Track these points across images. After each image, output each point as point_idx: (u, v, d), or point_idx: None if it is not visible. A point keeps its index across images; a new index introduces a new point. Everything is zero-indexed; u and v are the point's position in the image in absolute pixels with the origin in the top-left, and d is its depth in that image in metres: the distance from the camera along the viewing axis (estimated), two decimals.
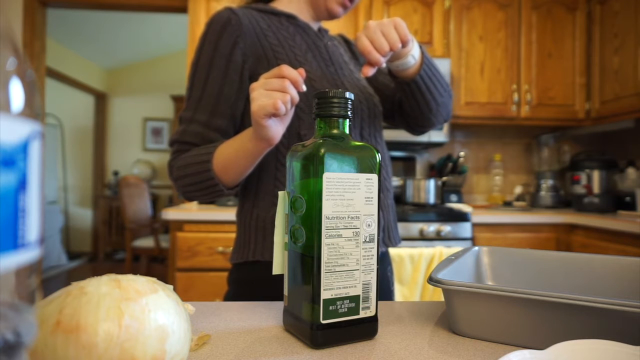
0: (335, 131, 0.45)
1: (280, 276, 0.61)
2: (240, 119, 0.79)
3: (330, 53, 0.84)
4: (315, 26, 0.87)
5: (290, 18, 0.82)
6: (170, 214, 1.83)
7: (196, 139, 0.76)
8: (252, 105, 0.61)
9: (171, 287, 0.36)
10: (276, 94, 0.59)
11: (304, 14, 0.85)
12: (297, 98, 0.62)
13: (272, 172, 0.77)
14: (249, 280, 0.78)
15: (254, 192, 0.79)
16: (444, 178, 2.35)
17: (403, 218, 1.90)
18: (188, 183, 0.74)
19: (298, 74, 0.61)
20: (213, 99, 0.75)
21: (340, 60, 0.85)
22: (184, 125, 0.77)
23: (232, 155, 0.70)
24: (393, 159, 2.60)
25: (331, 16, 0.83)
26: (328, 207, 0.41)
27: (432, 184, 2.13)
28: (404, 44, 0.69)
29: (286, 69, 0.60)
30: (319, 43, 0.83)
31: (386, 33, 0.67)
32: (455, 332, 0.46)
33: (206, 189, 0.73)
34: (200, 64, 0.76)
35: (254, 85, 0.62)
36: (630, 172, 2.11)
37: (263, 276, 0.74)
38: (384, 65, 0.71)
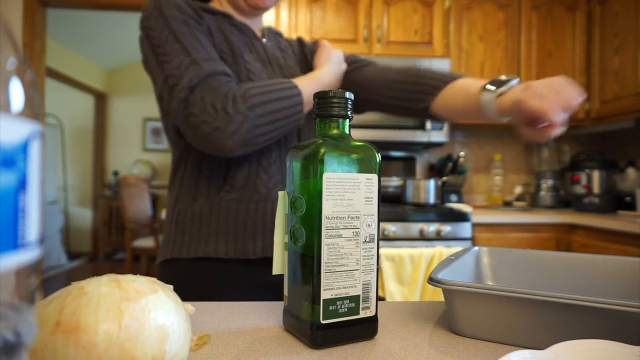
0: (335, 131, 0.45)
1: (199, 275, 0.59)
2: None
3: (269, 54, 0.82)
4: (256, 26, 0.85)
5: (226, 17, 0.79)
6: None
7: (227, 69, 0.69)
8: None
9: (171, 287, 0.36)
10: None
11: (236, 14, 0.83)
12: None
13: (216, 166, 0.74)
14: (168, 282, 0.71)
15: (178, 186, 0.77)
16: (444, 178, 2.35)
17: (403, 218, 1.90)
18: (271, 110, 0.67)
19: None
20: (200, 46, 0.69)
21: (280, 62, 0.83)
22: (193, 70, 0.66)
23: (314, 87, 0.73)
24: (393, 159, 2.60)
25: (254, 8, 0.80)
26: (328, 207, 0.41)
27: (432, 184, 2.13)
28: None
29: None
30: (257, 43, 0.81)
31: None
32: (455, 332, 0.46)
33: (291, 117, 0.69)
34: (167, 31, 0.68)
35: None
36: (630, 172, 2.11)
37: (180, 275, 0.71)
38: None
